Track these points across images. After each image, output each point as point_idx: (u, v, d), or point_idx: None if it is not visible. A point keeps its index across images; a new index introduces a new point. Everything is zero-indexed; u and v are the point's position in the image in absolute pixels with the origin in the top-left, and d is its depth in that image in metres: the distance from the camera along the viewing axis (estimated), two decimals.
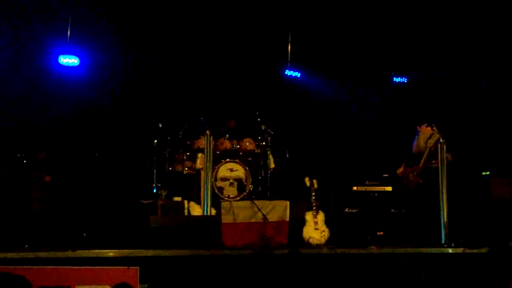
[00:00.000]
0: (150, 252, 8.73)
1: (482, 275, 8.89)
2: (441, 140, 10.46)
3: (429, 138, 11.17)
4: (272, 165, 11.73)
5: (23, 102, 12.39)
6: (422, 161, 11.11)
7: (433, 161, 10.71)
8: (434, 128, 11.22)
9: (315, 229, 10.15)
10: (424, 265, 9.15)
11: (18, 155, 10.98)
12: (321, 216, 10.24)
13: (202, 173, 10.67)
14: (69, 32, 12.78)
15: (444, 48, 13.97)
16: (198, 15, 13.23)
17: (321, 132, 14.03)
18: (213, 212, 10.29)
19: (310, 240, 10.09)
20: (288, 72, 14.55)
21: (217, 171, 11.26)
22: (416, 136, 11.37)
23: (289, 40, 14.40)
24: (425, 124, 11.29)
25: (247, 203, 10.10)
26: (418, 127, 11.37)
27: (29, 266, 7.92)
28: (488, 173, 11.73)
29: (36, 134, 11.75)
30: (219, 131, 11.77)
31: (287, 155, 12.27)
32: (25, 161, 10.92)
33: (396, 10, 13.64)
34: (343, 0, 13.62)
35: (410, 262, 9.21)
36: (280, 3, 13.40)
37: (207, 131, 10.42)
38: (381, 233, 10.64)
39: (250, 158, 11.71)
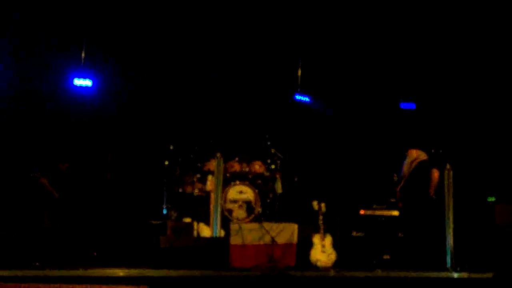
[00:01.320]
0: (159, 272, 8.83)
1: None
2: (447, 167, 10.56)
3: (413, 161, 11.30)
4: (280, 190, 11.83)
5: (39, 121, 12.62)
6: (402, 182, 11.24)
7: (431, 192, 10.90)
8: (418, 151, 11.32)
9: (323, 252, 10.21)
10: None
11: (31, 174, 11.15)
12: (328, 239, 10.31)
13: (212, 195, 10.79)
14: (83, 55, 13.01)
15: (451, 75, 14.06)
16: (211, 40, 13.39)
17: (330, 156, 14.12)
18: (222, 233, 10.39)
19: (318, 263, 10.16)
20: (298, 97, 14.65)
21: (226, 193, 11.38)
22: (405, 160, 11.49)
23: (300, 66, 14.50)
24: (414, 148, 11.41)
25: (255, 225, 10.19)
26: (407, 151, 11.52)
27: (39, 284, 8.01)
28: (493, 199, 11.80)
29: (51, 153, 11.89)
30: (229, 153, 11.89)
31: (296, 179, 12.35)
32: (39, 180, 11.07)
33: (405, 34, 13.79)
34: (353, 28, 13.72)
35: (416, 286, 9.26)
36: (291, 30, 13.55)
37: (218, 154, 10.53)
38: (388, 256, 10.70)
39: (260, 181, 11.83)
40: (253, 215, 11.40)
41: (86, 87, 13.13)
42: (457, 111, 14.20)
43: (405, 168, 11.38)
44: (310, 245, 10.29)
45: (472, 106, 14.12)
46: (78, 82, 13.09)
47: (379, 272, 9.74)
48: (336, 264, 10.15)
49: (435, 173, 10.93)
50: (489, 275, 9.34)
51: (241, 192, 11.56)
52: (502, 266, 9.50)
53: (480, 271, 9.58)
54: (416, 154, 11.35)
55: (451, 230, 10.30)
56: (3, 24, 12.29)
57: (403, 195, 11.16)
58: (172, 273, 8.84)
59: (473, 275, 9.58)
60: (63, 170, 11.40)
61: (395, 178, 11.41)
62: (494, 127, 13.74)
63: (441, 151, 11.81)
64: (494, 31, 13.27)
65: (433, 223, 10.53)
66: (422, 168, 11.17)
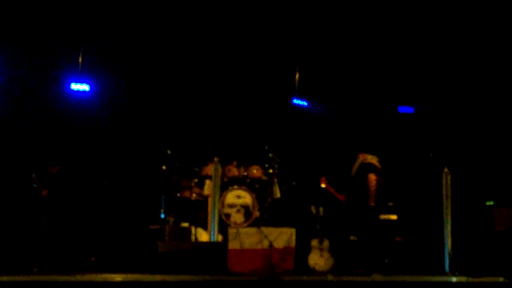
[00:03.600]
0: (157, 277, 8.82)
1: None
2: (445, 170, 10.56)
3: (359, 164, 11.27)
4: (278, 195, 11.81)
5: (37, 125, 12.64)
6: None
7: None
8: (366, 155, 11.25)
9: (321, 256, 10.23)
10: None
11: (29, 177, 11.14)
12: (326, 244, 10.32)
13: (210, 199, 10.79)
14: (80, 60, 13.04)
15: (449, 79, 14.09)
16: (208, 44, 13.41)
17: (327, 161, 14.11)
18: (220, 238, 10.39)
19: (316, 267, 10.18)
20: (295, 101, 14.66)
21: (224, 198, 11.35)
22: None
23: (297, 70, 14.51)
24: (364, 153, 11.34)
25: (253, 229, 10.21)
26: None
27: None
28: (492, 203, 11.80)
29: (48, 156, 11.88)
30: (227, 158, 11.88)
31: (294, 183, 12.34)
32: (35, 184, 11.07)
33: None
34: (350, 32, 13.74)
35: None
36: (289, 35, 13.57)
37: (216, 158, 10.53)
38: (386, 260, 10.70)
39: (257, 185, 11.80)
40: (251, 220, 11.37)
41: (84, 91, 13.13)
42: (456, 115, 14.21)
43: (352, 171, 11.30)
44: (308, 249, 10.31)
45: (471, 109, 14.12)
46: (75, 86, 13.09)
47: (377, 277, 9.75)
48: (334, 269, 10.16)
49: (371, 178, 10.82)
50: (490, 279, 9.36)
51: (239, 196, 11.52)
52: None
53: (479, 275, 9.58)
54: (362, 157, 11.23)
55: (449, 234, 10.31)
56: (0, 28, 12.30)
57: (348, 199, 11.08)
58: (170, 278, 8.83)
59: (472, 279, 9.58)
60: (52, 173, 11.37)
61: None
62: (493, 130, 13.75)
63: (431, 154, 11.81)
64: (492, 34, 13.28)
65: (369, 230, 10.51)
66: (363, 171, 11.06)
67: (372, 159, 11.08)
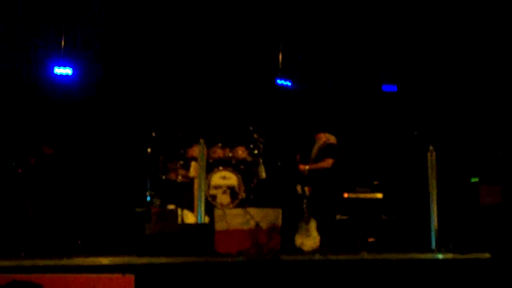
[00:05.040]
0: (144, 260, 8.81)
1: (474, 281, 9.06)
2: (430, 148, 10.58)
3: (322, 145, 11.28)
4: (264, 175, 11.81)
5: (19, 109, 12.56)
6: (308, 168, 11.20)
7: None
8: (328, 134, 11.27)
9: (307, 236, 10.24)
10: (415, 270, 9.26)
11: (14, 163, 11.06)
12: (313, 223, 10.33)
13: (196, 181, 10.77)
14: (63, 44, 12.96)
15: (433, 55, 14.10)
16: (192, 23, 13.35)
17: (312, 140, 14.10)
18: (207, 219, 10.38)
19: (303, 247, 10.19)
20: (279, 81, 14.64)
21: (210, 179, 11.35)
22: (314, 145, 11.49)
23: (280, 49, 14.48)
24: (323, 132, 11.36)
25: (240, 210, 10.19)
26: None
27: (23, 275, 7.96)
28: (477, 179, 11.86)
29: (31, 140, 11.80)
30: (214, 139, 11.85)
31: (279, 163, 12.34)
32: (19, 168, 10.99)
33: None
34: (334, 8, 13.71)
35: (401, 267, 9.30)
36: (271, 13, 13.52)
37: (201, 140, 10.50)
38: (373, 239, 10.74)
39: (243, 166, 11.80)
40: (237, 201, 11.39)
41: (67, 75, 13.06)
42: (440, 92, 14.24)
43: (313, 153, 11.31)
44: (295, 229, 10.32)
45: (455, 86, 14.15)
46: (59, 70, 13.02)
47: (364, 255, 9.78)
48: (321, 248, 10.18)
49: (328, 161, 10.87)
50: (476, 255, 9.42)
51: (224, 177, 11.54)
52: (501, 246, 9.58)
53: (465, 252, 9.64)
54: (325, 138, 11.25)
55: (435, 211, 10.35)
56: None
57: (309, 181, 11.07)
58: (158, 260, 8.81)
59: (458, 256, 9.64)
60: (47, 155, 11.31)
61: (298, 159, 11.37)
62: (477, 107, 13.79)
63: (416, 133, 11.84)
64: (477, 9, 13.28)
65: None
66: (329, 152, 11.09)
67: (334, 139, 11.10)
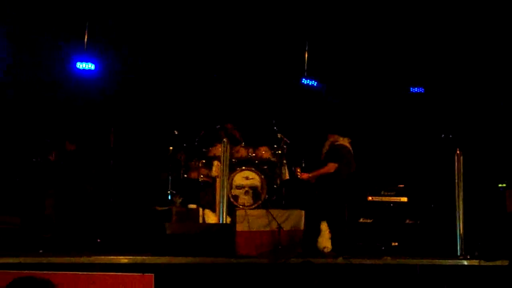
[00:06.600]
0: (164, 259, 8.72)
1: None
2: (457, 152, 10.41)
3: (329, 145, 10.93)
4: (287, 176, 11.66)
5: (41, 105, 12.56)
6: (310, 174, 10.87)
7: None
8: (336, 136, 10.88)
9: (330, 239, 10.12)
10: (439, 277, 9.11)
11: (34, 159, 11.03)
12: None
13: (218, 180, 10.67)
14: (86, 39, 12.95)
15: (462, 58, 13.94)
16: (218, 22, 13.29)
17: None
18: (228, 220, 10.27)
19: (325, 250, 10.06)
20: (305, 81, 14.54)
21: (232, 179, 11.23)
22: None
23: (306, 49, 14.38)
24: (335, 134, 10.98)
25: (262, 211, 10.09)
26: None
27: (42, 272, 7.89)
28: (504, 185, 11.67)
29: (53, 137, 11.78)
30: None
31: (303, 164, 12.21)
32: (40, 166, 10.96)
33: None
34: (360, 10, 13.58)
35: (425, 273, 9.16)
36: (298, 13, 13.42)
37: (224, 139, 10.40)
38: (396, 243, 10.60)
39: (266, 167, 11.67)
40: (259, 201, 11.26)
41: (89, 70, 13.06)
42: (468, 95, 14.06)
43: (322, 155, 10.97)
44: (318, 232, 10.19)
45: (483, 89, 13.97)
46: (81, 65, 13.02)
47: (388, 259, 9.64)
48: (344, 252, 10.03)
49: (329, 166, 10.52)
50: (500, 262, 9.23)
51: (247, 178, 11.42)
52: None
53: (491, 258, 9.46)
54: (332, 139, 10.87)
55: (461, 217, 10.18)
56: (3, 10, 12.17)
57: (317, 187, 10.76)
58: (178, 260, 8.73)
59: (483, 263, 9.46)
60: (69, 151, 11.27)
61: None
62: (507, 111, 13.59)
63: (443, 135, 11.67)
64: (507, 11, 13.10)
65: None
66: (332, 155, 10.70)
67: (343, 140, 10.75)
